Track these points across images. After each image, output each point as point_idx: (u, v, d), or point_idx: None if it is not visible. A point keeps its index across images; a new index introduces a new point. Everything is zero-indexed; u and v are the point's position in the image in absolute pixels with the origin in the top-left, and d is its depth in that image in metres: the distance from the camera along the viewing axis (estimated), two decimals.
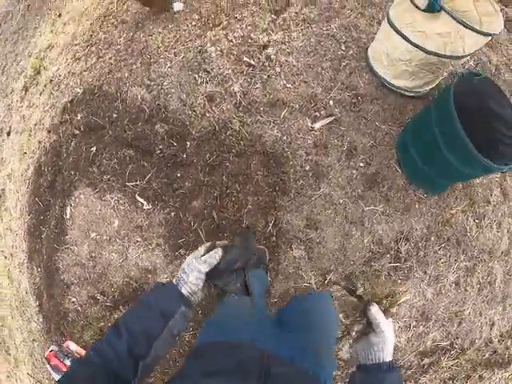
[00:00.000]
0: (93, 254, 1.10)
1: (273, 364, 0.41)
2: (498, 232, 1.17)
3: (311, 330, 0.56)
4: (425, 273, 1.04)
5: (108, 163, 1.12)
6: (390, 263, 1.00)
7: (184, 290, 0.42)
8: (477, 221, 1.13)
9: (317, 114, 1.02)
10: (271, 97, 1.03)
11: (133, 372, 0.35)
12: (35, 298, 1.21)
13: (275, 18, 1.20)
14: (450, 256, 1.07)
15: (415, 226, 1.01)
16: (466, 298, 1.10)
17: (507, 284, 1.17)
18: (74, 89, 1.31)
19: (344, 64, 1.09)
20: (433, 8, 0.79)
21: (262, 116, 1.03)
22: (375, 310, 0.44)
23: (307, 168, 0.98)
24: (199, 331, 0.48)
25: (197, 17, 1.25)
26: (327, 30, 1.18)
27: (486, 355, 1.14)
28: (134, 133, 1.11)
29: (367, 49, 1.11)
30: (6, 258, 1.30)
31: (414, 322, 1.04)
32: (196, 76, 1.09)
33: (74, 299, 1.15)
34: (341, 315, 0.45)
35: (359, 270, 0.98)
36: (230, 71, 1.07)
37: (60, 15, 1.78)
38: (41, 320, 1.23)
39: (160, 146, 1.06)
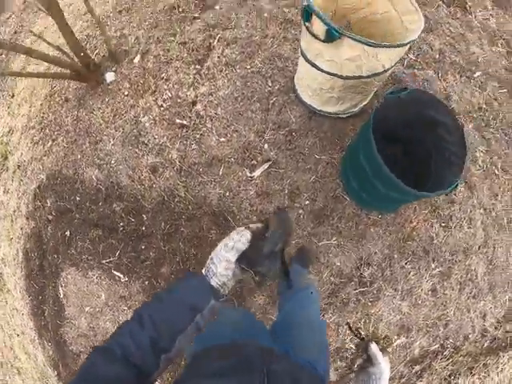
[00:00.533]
0: (91, 325, 1.27)
1: (273, 360, 0.42)
2: (470, 228, 1.18)
3: (302, 329, 0.63)
4: (395, 290, 1.10)
5: (82, 244, 1.27)
6: (355, 289, 1.07)
7: (213, 282, 0.41)
8: (443, 224, 1.15)
9: (253, 162, 1.09)
10: (207, 156, 1.12)
11: (154, 365, 0.35)
12: (52, 368, 1.43)
13: (199, 68, 1.26)
14: (419, 268, 1.11)
15: (374, 249, 1.07)
16: (447, 301, 1.15)
17: (492, 274, 1.20)
18: (38, 175, 1.47)
19: (272, 101, 1.14)
20: (332, 37, 0.79)
21: (202, 177, 1.11)
22: (374, 347, 0.53)
23: (254, 219, 1.05)
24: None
25: (128, 85, 1.34)
26: (251, 67, 1.22)
27: (486, 344, 1.20)
28: (97, 213, 1.24)
29: (293, 77, 1.12)
30: (18, 335, 1.52)
31: (395, 336, 1.10)
32: (136, 150, 1.19)
33: None
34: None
35: (325, 303, 1.05)
36: (165, 139, 1.16)
37: (13, 95, 1.93)
38: None
39: (121, 224, 1.18)
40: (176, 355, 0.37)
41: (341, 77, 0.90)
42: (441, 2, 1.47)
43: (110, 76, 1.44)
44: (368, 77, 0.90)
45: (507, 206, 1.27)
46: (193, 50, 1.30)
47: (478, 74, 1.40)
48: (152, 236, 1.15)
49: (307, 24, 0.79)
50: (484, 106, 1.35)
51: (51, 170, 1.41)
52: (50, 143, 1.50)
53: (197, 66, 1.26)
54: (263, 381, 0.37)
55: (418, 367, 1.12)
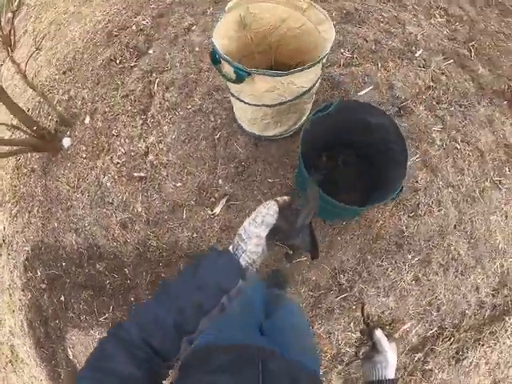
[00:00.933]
0: None
1: (270, 358, 0.42)
2: (440, 211, 1.23)
3: (296, 332, 0.64)
4: (377, 288, 1.15)
5: (78, 306, 1.37)
6: (337, 297, 1.13)
7: (243, 261, 0.39)
8: (411, 215, 1.20)
9: (212, 199, 1.16)
10: (169, 203, 1.19)
11: (175, 349, 0.35)
12: None
13: (145, 117, 1.34)
14: (395, 262, 1.17)
15: (345, 256, 1.13)
16: (433, 285, 1.21)
17: (475, 247, 1.25)
18: (23, 247, 1.58)
19: (218, 136, 1.20)
20: (242, 77, 0.84)
21: (169, 223, 1.19)
22: (379, 333, 0.52)
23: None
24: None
25: (84, 147, 1.42)
26: (192, 106, 1.28)
27: (487, 314, 1.25)
28: (83, 275, 1.34)
29: (233, 108, 1.18)
30: None
31: (390, 331, 1.16)
32: (104, 210, 1.28)
33: None
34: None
35: (311, 315, 1.11)
36: (127, 194, 1.25)
37: None
38: None
39: (107, 281, 1.28)
40: (195, 338, 0.37)
41: (267, 106, 0.97)
42: None
43: (66, 141, 1.54)
44: (293, 100, 0.97)
45: (476, 177, 1.31)
46: (135, 101, 1.38)
47: (419, 52, 1.43)
48: (138, 287, 1.25)
49: (218, 66, 0.84)
50: (432, 84, 1.38)
51: (34, 241, 1.52)
52: (27, 215, 1.62)
53: (142, 117, 1.34)
54: (258, 378, 0.37)
55: (419, 354, 1.18)
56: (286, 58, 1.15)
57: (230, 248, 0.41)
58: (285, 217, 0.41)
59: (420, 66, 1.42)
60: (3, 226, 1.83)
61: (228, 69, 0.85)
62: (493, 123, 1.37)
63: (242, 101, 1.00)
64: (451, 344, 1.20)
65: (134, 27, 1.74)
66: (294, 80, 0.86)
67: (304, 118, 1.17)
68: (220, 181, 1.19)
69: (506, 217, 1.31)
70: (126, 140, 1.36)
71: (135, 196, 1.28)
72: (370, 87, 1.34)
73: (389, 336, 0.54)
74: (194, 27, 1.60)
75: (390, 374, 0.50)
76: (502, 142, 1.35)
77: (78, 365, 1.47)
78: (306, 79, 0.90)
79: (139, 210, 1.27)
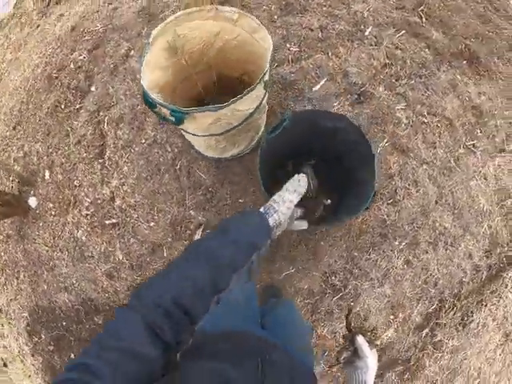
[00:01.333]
0: None
1: (270, 350, 0.44)
2: (418, 191, 1.21)
3: (295, 329, 0.67)
4: (370, 280, 1.16)
5: None
6: (333, 298, 1.14)
7: (272, 220, 0.43)
8: (390, 202, 1.19)
9: (188, 231, 1.14)
10: (147, 244, 1.17)
11: (206, 308, 0.34)
12: None
13: (102, 161, 1.29)
14: (384, 251, 1.17)
15: (332, 259, 1.13)
16: (426, 263, 1.21)
17: (460, 217, 1.25)
18: (21, 314, 1.57)
19: (178, 166, 1.17)
20: (180, 119, 0.78)
21: (152, 264, 1.18)
22: (361, 340, 0.54)
23: None
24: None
25: (51, 204, 1.39)
26: (146, 140, 1.24)
27: (484, 276, 1.26)
28: (85, 331, 1.35)
29: None
30: None
31: (392, 317, 1.18)
32: (87, 264, 1.27)
33: None
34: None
35: (312, 321, 1.13)
36: (105, 244, 1.22)
37: None
38: None
39: None
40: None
41: (217, 134, 0.92)
42: None
43: (32, 201, 1.49)
44: (242, 123, 0.91)
45: (449, 147, 1.29)
46: (89, 146, 1.33)
47: (368, 30, 1.37)
48: None
49: (155, 110, 0.80)
50: (387, 61, 1.33)
51: (29, 307, 1.51)
52: (15, 282, 1.60)
53: (99, 161, 1.30)
54: (258, 368, 0.38)
55: (426, 330, 1.20)
56: (229, 70, 1.09)
57: (262, 209, 0.44)
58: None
59: (372, 45, 1.36)
60: None
61: (165, 111, 0.78)
62: (456, 87, 1.32)
63: (189, 133, 0.96)
64: (455, 313, 1.21)
65: (71, 65, 1.64)
66: (237, 107, 0.80)
67: (260, 132, 1.11)
68: (191, 212, 1.15)
69: (486, 178, 1.29)
70: (90, 189, 1.32)
71: (113, 244, 1.26)
72: (324, 79, 1.27)
73: (370, 342, 0.55)
74: (131, 52, 1.51)
75: (370, 379, 0.51)
76: (468, 104, 1.31)
77: None
78: (250, 101, 0.83)
79: (120, 257, 1.25)
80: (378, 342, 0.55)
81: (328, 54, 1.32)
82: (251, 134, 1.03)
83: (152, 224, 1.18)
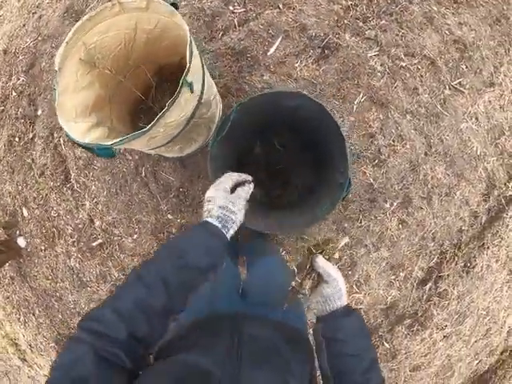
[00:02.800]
0: None
1: (247, 324, 0.43)
2: (404, 146, 1.14)
3: (271, 289, 0.62)
4: (365, 246, 1.14)
5: None
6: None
7: (232, 231, 0.41)
8: (375, 163, 1.13)
9: (172, 235, 1.12)
10: (137, 258, 1.18)
11: (162, 331, 0.33)
12: None
13: (70, 185, 1.26)
14: (375, 216, 1.14)
15: (321, 235, 1.08)
16: (421, 220, 1.17)
17: (453, 165, 1.19)
18: (49, 345, 1.70)
19: (143, 173, 1.12)
20: (112, 154, 0.68)
21: None
22: (322, 261, 0.46)
23: None
24: None
25: (38, 240, 1.40)
26: (132, 157, 1.17)
27: (484, 220, 1.22)
28: None
29: None
30: None
31: (393, 277, 1.17)
32: (89, 288, 1.31)
33: None
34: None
35: None
36: (99, 267, 1.24)
37: None
38: None
39: None
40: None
41: (162, 145, 0.79)
42: None
43: (21, 241, 1.50)
44: (185, 128, 0.76)
45: (433, 90, 1.14)
46: (53, 175, 1.27)
47: None
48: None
49: (85, 146, 0.66)
50: (350, 2, 1.14)
51: (53, 337, 1.60)
52: (34, 318, 1.68)
53: (67, 186, 1.25)
54: (232, 347, 0.37)
55: (429, 284, 1.19)
56: (164, 59, 0.98)
57: (218, 223, 0.40)
58: None
59: None
60: (22, 335, 1.94)
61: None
62: (433, 20, 1.12)
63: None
64: (457, 263, 1.16)
65: (13, 93, 1.54)
66: (168, 121, 0.66)
67: (217, 119, 0.96)
68: (169, 216, 1.09)
69: (477, 118, 1.13)
70: (68, 216, 1.28)
71: (106, 264, 1.24)
72: (279, 39, 1.08)
73: (330, 259, 0.47)
74: None
75: (344, 300, 0.45)
76: (449, 38, 1.12)
77: None
78: (180, 109, 0.67)
79: (116, 275, 1.23)
80: (337, 255, 0.47)
81: (279, 7, 1.12)
82: (205, 127, 0.94)
83: (135, 236, 1.15)
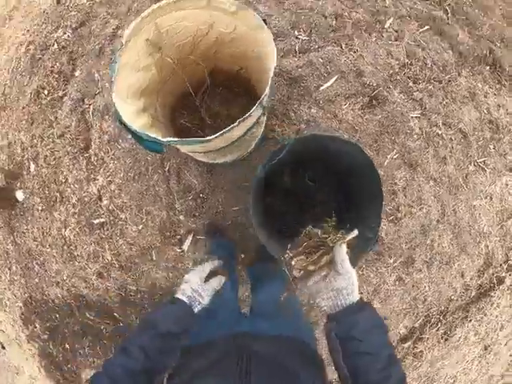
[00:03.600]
0: None
1: (252, 343, 0.43)
2: (421, 209, 1.11)
3: (276, 307, 0.60)
4: (360, 294, 1.07)
5: (84, 351, 1.36)
6: None
7: (196, 310, 0.46)
8: (390, 219, 1.11)
9: (178, 236, 1.03)
10: (136, 247, 1.09)
11: None
12: None
13: (88, 156, 1.15)
14: (377, 269, 1.10)
15: None
16: (418, 282, 1.15)
17: (459, 237, 1.18)
18: (15, 303, 1.51)
19: (167, 168, 1.03)
20: (159, 151, 0.61)
21: (142, 267, 1.09)
22: (345, 251, 0.41)
23: None
24: None
25: (38, 199, 1.27)
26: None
27: (473, 294, 1.22)
28: (79, 324, 1.30)
29: None
30: None
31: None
32: (77, 263, 1.18)
33: None
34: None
35: None
36: (93, 245, 1.13)
37: None
38: None
39: (102, 327, 1.22)
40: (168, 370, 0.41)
41: (202, 152, 0.73)
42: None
43: (19, 195, 1.36)
44: (233, 143, 0.70)
45: (459, 164, 1.13)
46: (73, 139, 1.16)
47: (389, 22, 1.14)
48: (130, 327, 1.19)
49: (130, 131, 0.59)
50: (406, 61, 1.12)
51: (23, 298, 1.45)
52: (8, 273, 1.52)
53: (85, 155, 1.14)
54: (238, 367, 0.38)
55: (409, 343, 1.16)
56: (224, 64, 0.90)
57: (186, 300, 0.45)
58: None
59: (392, 40, 1.11)
60: None
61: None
62: (475, 97, 1.12)
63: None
64: (438, 329, 1.15)
65: (55, 45, 1.41)
66: (230, 135, 0.61)
67: (257, 139, 0.92)
68: (181, 217, 1.01)
69: (491, 198, 1.14)
70: (76, 185, 1.16)
71: (101, 245, 1.12)
72: (335, 77, 1.06)
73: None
74: (119, 32, 1.28)
75: (356, 295, 0.41)
76: (485, 117, 1.13)
77: None
78: (245, 126, 0.64)
79: (109, 258, 1.13)
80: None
81: (341, 46, 1.09)
82: (247, 143, 0.86)
83: (140, 227, 1.05)
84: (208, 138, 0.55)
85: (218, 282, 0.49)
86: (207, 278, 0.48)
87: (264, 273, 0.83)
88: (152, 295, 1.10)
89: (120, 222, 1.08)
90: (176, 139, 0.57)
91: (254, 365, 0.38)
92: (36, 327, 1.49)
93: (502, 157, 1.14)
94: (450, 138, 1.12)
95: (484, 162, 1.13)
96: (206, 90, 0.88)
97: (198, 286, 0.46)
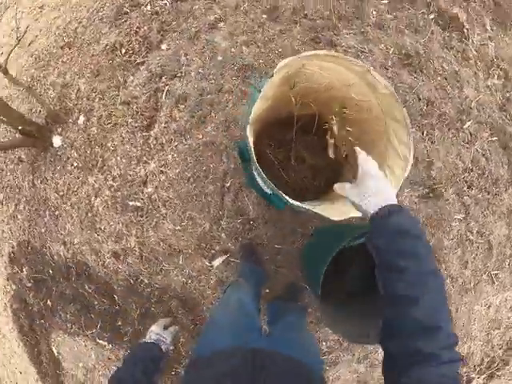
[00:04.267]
0: (87, 376, 1.32)
1: (266, 359, 0.44)
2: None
3: (297, 335, 0.64)
4: (352, 355, 1.08)
5: (65, 315, 1.25)
6: None
7: (163, 348, 0.58)
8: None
9: (212, 251, 0.97)
10: (165, 244, 1.02)
11: None
12: None
13: (147, 136, 1.06)
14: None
15: (322, 334, 1.00)
16: None
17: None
18: (9, 240, 1.37)
19: (228, 184, 0.96)
20: (281, 208, 0.59)
21: (163, 265, 1.02)
22: (364, 157, 0.40)
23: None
24: (196, 342, 0.64)
25: (75, 154, 1.15)
26: (203, 136, 1.01)
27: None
28: (71, 290, 1.20)
29: None
30: (20, 373, 1.58)
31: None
32: (95, 235, 1.08)
33: None
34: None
35: None
36: (120, 225, 1.05)
37: None
38: None
39: (95, 302, 1.14)
40: None
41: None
42: (435, 27, 1.10)
43: (56, 140, 1.21)
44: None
45: (477, 271, 1.18)
46: (137, 113, 1.05)
47: (468, 123, 1.15)
48: (126, 313, 1.11)
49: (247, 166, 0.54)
50: (469, 166, 1.14)
51: (20, 239, 1.31)
52: (13, 207, 1.36)
53: (144, 134, 1.03)
54: (255, 378, 0.39)
55: None
56: (330, 113, 0.83)
57: (154, 340, 0.58)
58: None
59: (465, 142, 1.12)
60: None
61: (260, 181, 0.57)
62: (511, 216, 1.18)
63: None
64: None
65: (148, 7, 1.27)
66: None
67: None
68: (223, 235, 0.96)
69: (489, 307, 1.20)
70: (123, 160, 1.06)
71: (129, 229, 1.03)
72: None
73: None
74: (220, 24, 1.17)
75: (384, 198, 0.36)
76: None
77: (61, 360, 1.41)
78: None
79: (132, 244, 1.04)
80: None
81: (423, 133, 1.08)
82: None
83: (178, 228, 0.98)
84: (324, 215, 0.50)
85: (173, 328, 0.63)
86: (165, 327, 0.62)
87: (283, 310, 0.84)
88: (162, 294, 1.02)
89: (157, 215, 0.99)
90: (305, 205, 0.53)
91: (267, 379, 0.40)
92: (22, 271, 1.35)
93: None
94: (478, 246, 1.16)
95: (496, 274, 1.18)
96: (311, 131, 0.81)
97: (159, 332, 0.60)
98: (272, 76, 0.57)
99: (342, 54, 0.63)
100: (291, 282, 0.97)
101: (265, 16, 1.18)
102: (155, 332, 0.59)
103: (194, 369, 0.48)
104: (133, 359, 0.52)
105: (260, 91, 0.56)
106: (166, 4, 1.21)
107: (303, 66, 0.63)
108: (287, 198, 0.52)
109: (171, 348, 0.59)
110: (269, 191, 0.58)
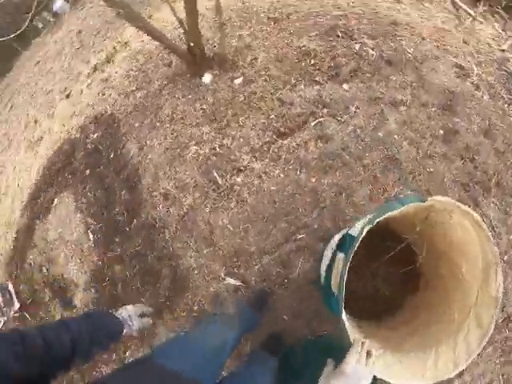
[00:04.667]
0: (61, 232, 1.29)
1: None
2: None
3: None
4: None
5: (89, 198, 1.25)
6: None
7: (126, 330, 0.54)
8: None
9: (235, 270, 0.91)
10: (206, 230, 1.01)
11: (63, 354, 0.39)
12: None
13: (274, 139, 1.03)
14: None
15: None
16: None
17: None
18: (103, 106, 1.42)
19: (298, 237, 0.87)
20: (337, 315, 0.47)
21: (189, 243, 0.96)
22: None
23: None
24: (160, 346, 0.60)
25: (211, 100, 1.18)
26: (316, 181, 0.92)
27: None
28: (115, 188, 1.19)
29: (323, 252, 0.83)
30: None
31: None
32: (167, 168, 1.07)
33: None
34: None
35: None
36: (192, 181, 1.03)
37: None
38: None
39: (117, 209, 1.13)
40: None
41: None
42: None
43: (207, 77, 1.26)
44: None
45: None
46: (283, 117, 1.04)
47: None
48: (132, 238, 1.09)
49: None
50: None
51: (112, 113, 1.37)
52: (134, 87, 1.44)
53: (273, 136, 1.02)
54: None
55: None
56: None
57: (120, 318, 0.54)
58: None
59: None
60: (116, 70, 1.65)
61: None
62: None
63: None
64: None
65: (357, 46, 1.25)
66: None
67: None
68: (255, 267, 0.87)
69: None
70: (241, 139, 1.01)
71: (194, 190, 0.99)
72: None
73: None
74: (401, 108, 1.02)
75: None
76: None
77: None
78: None
79: (187, 202, 0.99)
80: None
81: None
82: None
83: (229, 228, 0.92)
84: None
85: (146, 320, 0.58)
86: (141, 315, 0.58)
87: (257, 361, 0.76)
88: (169, 261, 0.97)
89: (224, 204, 0.96)
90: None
91: None
92: (93, 135, 1.40)
93: None
94: None
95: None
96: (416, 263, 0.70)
97: (132, 315, 0.56)
98: (423, 202, 0.51)
99: (487, 229, 0.52)
100: (277, 332, 0.86)
101: (441, 132, 1.10)
102: (128, 313, 0.55)
103: (144, 369, 0.43)
104: (92, 320, 0.46)
105: (402, 205, 0.50)
106: (373, 55, 1.20)
107: (449, 213, 0.53)
108: (343, 311, 0.45)
109: (128, 335, 0.53)
110: (336, 291, 0.50)
